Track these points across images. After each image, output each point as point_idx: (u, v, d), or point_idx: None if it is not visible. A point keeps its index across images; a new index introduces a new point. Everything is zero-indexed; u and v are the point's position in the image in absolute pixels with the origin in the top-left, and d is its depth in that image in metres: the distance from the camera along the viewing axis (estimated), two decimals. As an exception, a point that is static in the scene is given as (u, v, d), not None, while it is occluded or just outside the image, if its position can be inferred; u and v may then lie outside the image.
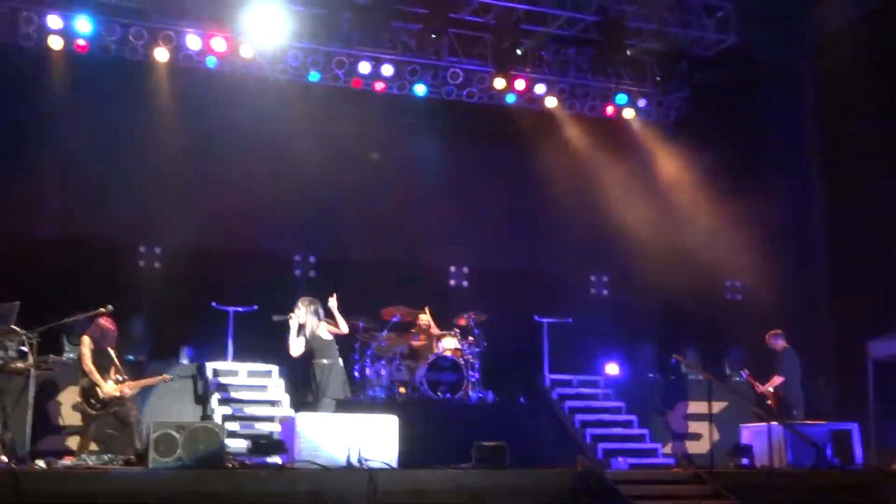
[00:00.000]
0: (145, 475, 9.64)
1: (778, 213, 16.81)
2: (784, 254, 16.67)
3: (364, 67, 15.30)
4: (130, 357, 13.63)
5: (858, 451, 12.77)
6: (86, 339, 11.87)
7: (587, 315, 16.32)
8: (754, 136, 17.23)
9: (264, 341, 12.54)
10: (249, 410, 13.37)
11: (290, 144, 15.42)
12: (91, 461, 10.53)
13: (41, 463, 10.12)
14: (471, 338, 13.93)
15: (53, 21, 13.89)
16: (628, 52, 16.05)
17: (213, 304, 14.09)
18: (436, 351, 13.70)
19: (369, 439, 10.52)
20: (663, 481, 10.94)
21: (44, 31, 13.97)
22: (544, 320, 15.04)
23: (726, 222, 16.20)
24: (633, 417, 14.52)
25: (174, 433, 9.79)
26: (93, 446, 11.82)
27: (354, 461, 10.25)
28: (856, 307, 15.68)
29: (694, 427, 14.93)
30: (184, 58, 14.67)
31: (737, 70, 16.51)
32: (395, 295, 14.37)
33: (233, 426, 12.55)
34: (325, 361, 11.91)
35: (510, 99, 16.20)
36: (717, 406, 13.59)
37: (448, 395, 13.08)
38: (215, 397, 13.41)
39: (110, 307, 11.62)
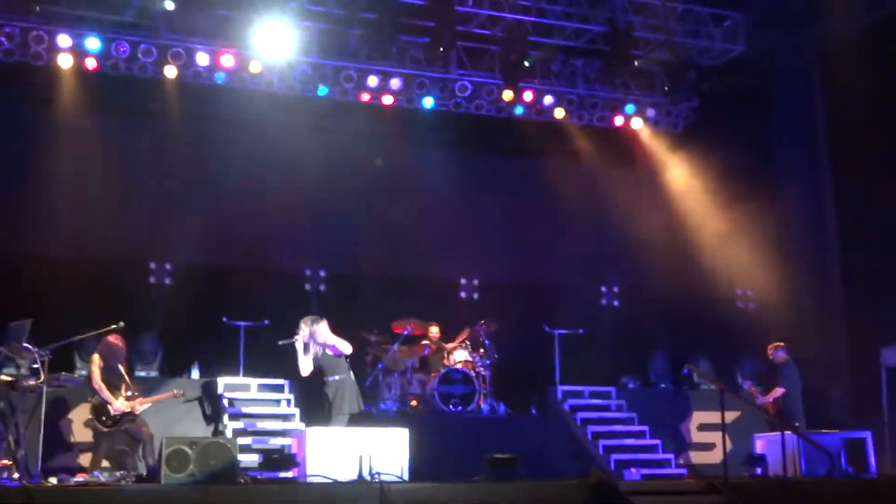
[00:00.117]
0: (157, 491, 9.65)
1: (789, 221, 16.77)
2: (796, 262, 16.62)
3: (372, 81, 15.33)
4: (142, 373, 13.68)
5: (872, 460, 12.71)
6: (95, 358, 11.95)
7: (598, 326, 16.30)
8: (764, 144, 17.21)
9: (275, 356, 12.54)
10: (261, 425, 13.37)
11: (300, 159, 15.46)
12: (103, 478, 10.54)
13: (53, 480, 10.14)
14: (482, 350, 13.92)
15: (63, 40, 13.95)
16: (636, 63, 16.03)
17: (224, 319, 14.11)
18: (447, 363, 13.69)
19: (381, 452, 10.52)
20: (677, 492, 10.89)
21: (54, 50, 14.03)
22: (555, 332, 15.01)
23: (737, 231, 16.18)
24: (645, 428, 14.47)
25: (186, 449, 9.81)
26: (104, 463, 11.84)
27: (366, 474, 10.25)
28: (869, 315, 15.62)
29: (707, 437, 14.88)
30: (193, 74, 14.72)
31: (745, 78, 16.50)
32: (406, 308, 14.39)
33: (244, 441, 12.55)
34: (336, 378, 12.00)
35: (518, 111, 16.21)
36: (730, 416, 13.51)
37: (460, 408, 13.07)
38: (226, 412, 13.42)
39: (122, 324, 11.67)
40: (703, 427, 15.05)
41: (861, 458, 12.54)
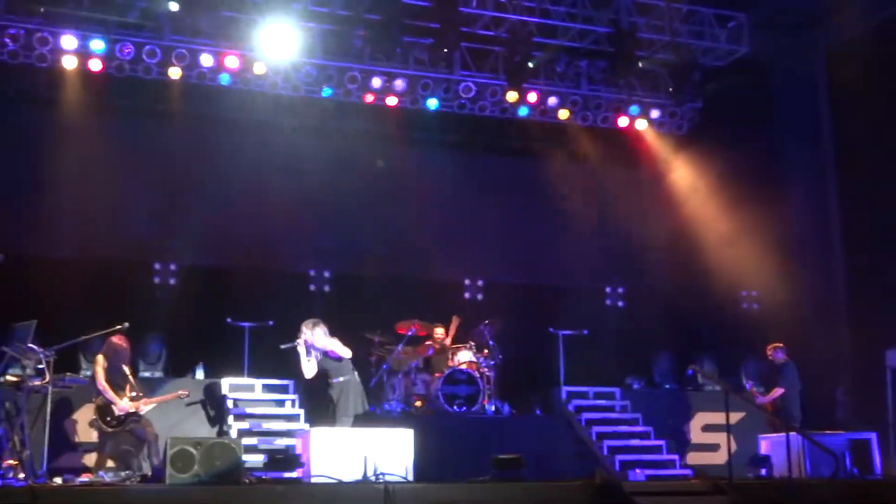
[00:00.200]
0: (162, 491, 9.64)
1: (793, 222, 16.76)
2: (800, 263, 16.61)
3: (376, 82, 15.34)
4: (146, 374, 13.70)
5: (877, 461, 12.69)
6: (99, 359, 12.00)
7: (603, 327, 16.29)
8: (768, 146, 17.20)
9: (280, 356, 12.55)
10: (265, 425, 13.39)
11: (304, 160, 15.50)
12: (108, 478, 10.55)
13: (58, 480, 10.15)
14: (486, 351, 13.92)
15: (68, 41, 13.97)
16: (640, 64, 16.04)
17: (229, 320, 14.12)
18: (451, 364, 13.70)
19: (385, 453, 10.53)
20: (682, 493, 10.88)
21: (58, 52, 14.05)
22: (560, 332, 15.00)
23: (741, 232, 16.17)
24: (649, 429, 14.47)
25: (191, 449, 9.80)
26: (109, 463, 11.86)
27: (371, 475, 10.25)
28: (873, 316, 15.60)
29: (711, 438, 14.87)
30: (197, 75, 14.73)
31: (750, 80, 16.49)
32: (410, 309, 14.39)
33: (249, 441, 12.56)
34: (341, 379, 12.09)
35: (523, 112, 16.21)
36: (735, 416, 13.49)
37: (464, 408, 13.07)
38: (231, 413, 13.43)
39: (126, 325, 11.68)
40: (707, 428, 15.05)
41: (866, 460, 12.51)
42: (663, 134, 17.11)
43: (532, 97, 16.02)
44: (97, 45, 14.07)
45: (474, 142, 16.86)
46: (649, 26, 15.63)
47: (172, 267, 15.54)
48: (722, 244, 16.39)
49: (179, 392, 12.69)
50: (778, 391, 13.66)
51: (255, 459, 12.05)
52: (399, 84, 15.47)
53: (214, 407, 13.61)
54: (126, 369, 12.13)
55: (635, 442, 14.22)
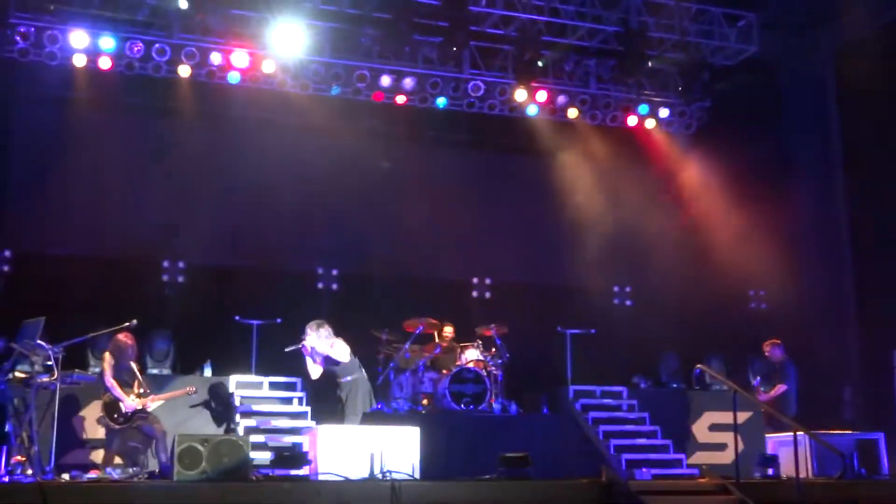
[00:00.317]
0: (170, 488, 9.68)
1: (801, 221, 16.74)
2: (808, 262, 16.59)
3: (385, 81, 15.36)
4: (154, 371, 13.73)
5: (885, 461, 12.66)
6: (106, 356, 12.06)
7: (610, 326, 16.27)
8: (776, 145, 17.18)
9: (287, 354, 12.59)
10: (273, 423, 13.41)
11: (312, 158, 15.54)
12: (115, 475, 10.59)
13: (66, 477, 10.19)
14: (493, 349, 13.93)
15: (77, 39, 14.01)
16: (650, 63, 16.05)
17: (237, 317, 14.15)
18: (459, 363, 13.70)
19: (392, 451, 10.54)
20: (688, 492, 10.89)
21: (68, 50, 14.09)
22: (567, 331, 14.99)
23: (749, 231, 16.15)
24: (656, 428, 14.45)
25: (198, 446, 9.83)
26: (117, 460, 11.89)
27: (378, 473, 10.27)
28: (881, 316, 15.58)
29: (718, 437, 14.84)
30: (206, 73, 14.76)
31: (758, 79, 16.48)
32: (418, 307, 14.38)
33: (256, 438, 12.58)
34: (349, 379, 12.24)
35: (532, 111, 16.21)
36: (742, 416, 13.49)
37: (471, 407, 13.07)
38: (238, 410, 13.47)
39: (134, 322, 11.72)
40: (714, 427, 15.01)
41: (873, 460, 12.49)
42: (672, 133, 17.11)
43: (541, 96, 16.03)
44: (107, 42, 14.12)
45: (483, 141, 16.88)
46: (658, 25, 15.63)
47: (181, 265, 15.58)
48: (730, 243, 16.36)
49: (187, 389, 12.73)
50: (781, 388, 13.62)
51: (262, 457, 12.04)
52: (408, 82, 15.49)
53: (222, 404, 13.63)
54: (134, 366, 12.17)
55: (642, 441, 14.20)
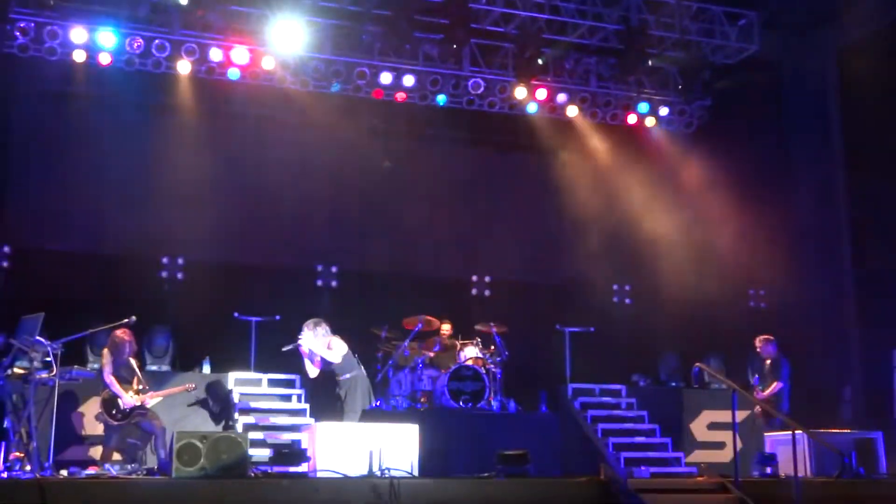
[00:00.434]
0: (169, 485, 9.68)
1: (802, 220, 16.75)
2: (808, 261, 16.59)
3: (385, 78, 15.34)
4: (153, 367, 13.73)
5: (883, 461, 12.66)
6: (104, 352, 12.05)
7: (610, 324, 16.28)
8: (777, 144, 17.18)
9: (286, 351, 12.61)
10: (271, 420, 13.41)
11: (312, 155, 15.54)
12: (114, 471, 10.59)
13: (64, 473, 10.19)
14: (493, 347, 13.92)
15: (77, 35, 14.00)
16: (650, 61, 16.04)
17: (236, 314, 14.15)
18: (458, 360, 13.71)
19: (391, 448, 10.54)
20: (687, 490, 10.89)
21: (68, 45, 14.08)
22: (566, 329, 14.98)
23: (749, 230, 16.14)
24: (655, 426, 14.45)
25: (197, 443, 9.83)
26: (116, 456, 11.89)
27: (376, 470, 10.27)
28: (881, 315, 15.58)
29: (717, 436, 14.85)
30: (206, 70, 14.75)
31: (759, 78, 16.47)
32: (417, 304, 14.38)
33: (255, 435, 12.57)
34: (348, 376, 12.30)
35: (532, 108, 16.20)
36: (741, 415, 13.51)
37: (470, 404, 13.07)
38: (237, 407, 13.47)
39: (133, 318, 11.72)
40: (713, 426, 15.03)
41: (872, 459, 12.49)
42: (672, 131, 17.11)
43: (541, 94, 16.02)
44: (107, 38, 14.09)
45: (483, 138, 16.87)
46: (659, 23, 15.62)
47: (180, 261, 15.57)
48: (730, 242, 16.36)
49: (187, 385, 12.73)
50: (778, 386, 13.60)
51: (260, 453, 12.07)
52: (408, 80, 15.47)
53: (220, 401, 13.63)
54: (133, 362, 12.16)
55: (641, 439, 14.20)
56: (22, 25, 13.85)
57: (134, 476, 10.46)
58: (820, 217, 17.05)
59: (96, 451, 12.36)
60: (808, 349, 15.34)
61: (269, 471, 10.68)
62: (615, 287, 17.70)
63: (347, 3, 14.67)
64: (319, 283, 16.26)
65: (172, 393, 12.62)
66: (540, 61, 15.63)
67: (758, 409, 13.69)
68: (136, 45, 14.19)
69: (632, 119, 16.67)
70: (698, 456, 14.67)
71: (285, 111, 15.47)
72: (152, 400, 12.18)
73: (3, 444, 10.61)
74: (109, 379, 11.88)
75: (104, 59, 14.27)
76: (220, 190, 15.40)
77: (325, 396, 12.88)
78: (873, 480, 12.03)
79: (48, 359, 10.54)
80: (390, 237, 16.23)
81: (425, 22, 14.90)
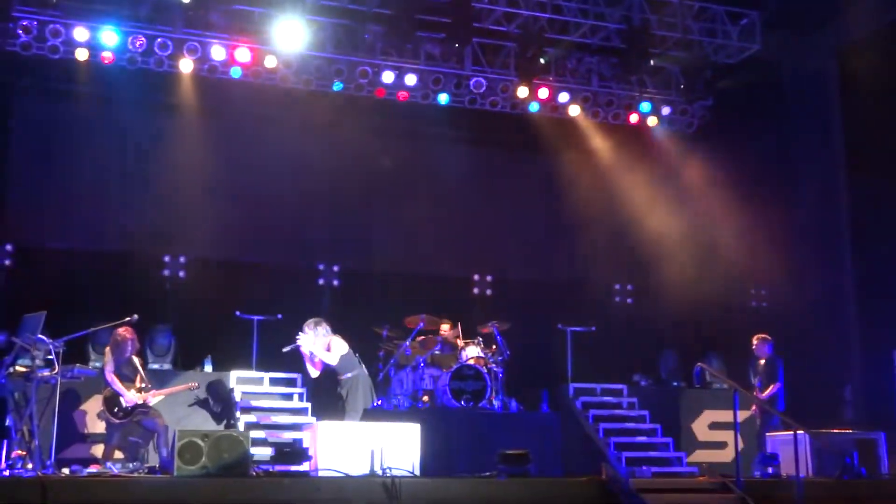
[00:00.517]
0: (170, 483, 9.68)
1: (803, 220, 16.74)
2: (809, 261, 16.58)
3: (387, 77, 15.34)
4: (155, 366, 13.74)
5: (885, 461, 12.66)
6: (107, 350, 12.06)
7: (611, 323, 16.30)
8: (778, 144, 17.17)
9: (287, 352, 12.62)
10: (273, 419, 13.42)
11: (314, 154, 15.54)
12: (116, 469, 10.59)
13: (66, 471, 10.20)
14: (494, 346, 13.93)
15: (80, 33, 14.01)
16: (652, 61, 16.03)
17: (238, 313, 14.15)
18: (459, 359, 13.71)
19: (392, 447, 10.54)
20: (688, 490, 10.89)
21: (70, 43, 14.08)
22: (568, 329, 14.99)
23: (750, 230, 16.14)
24: (657, 426, 14.46)
25: (199, 441, 9.83)
26: (117, 454, 11.90)
27: (377, 469, 10.27)
28: (882, 314, 15.57)
29: (718, 436, 14.86)
30: (208, 68, 14.75)
31: (760, 77, 16.46)
32: (419, 304, 14.39)
33: (257, 434, 12.59)
34: (349, 375, 12.30)
35: (533, 108, 16.20)
36: (743, 414, 13.50)
37: (471, 404, 13.07)
38: (239, 406, 13.47)
39: (135, 317, 11.73)
40: (714, 426, 15.04)
41: (873, 460, 12.48)
42: (674, 131, 17.10)
43: (543, 93, 16.01)
44: (109, 37, 14.09)
45: (484, 138, 16.87)
46: (661, 23, 15.61)
47: (182, 260, 15.60)
48: (731, 241, 16.36)
49: (190, 384, 12.74)
50: (777, 386, 13.55)
51: (262, 452, 12.08)
52: (410, 79, 15.47)
53: (222, 400, 13.64)
54: (136, 360, 12.17)
55: (642, 439, 14.22)
56: (24, 23, 13.84)
57: (135, 474, 10.45)
58: (821, 217, 17.04)
59: (98, 450, 12.37)
60: (809, 349, 15.33)
61: (271, 470, 10.69)
62: (616, 286, 17.72)
63: (349, 2, 14.67)
64: (321, 281, 16.28)
65: (175, 391, 12.63)
66: (542, 60, 15.63)
67: (754, 409, 13.66)
68: (138, 43, 14.19)
69: (633, 118, 16.66)
70: (700, 456, 14.68)
71: (287, 110, 15.46)
72: (154, 398, 12.18)
73: (5, 442, 10.61)
74: (111, 377, 11.89)
75: (106, 57, 14.26)
76: (222, 188, 15.41)
77: (327, 395, 12.88)
78: (875, 481, 12.03)
79: (50, 357, 10.54)
80: (392, 236, 16.24)
81: (427, 21, 14.88)
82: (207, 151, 15.34)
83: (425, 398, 13.49)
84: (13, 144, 14.81)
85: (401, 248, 16.32)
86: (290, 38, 14.48)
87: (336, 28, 15.00)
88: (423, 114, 16.14)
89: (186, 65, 14.55)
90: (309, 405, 13.72)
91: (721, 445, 14.74)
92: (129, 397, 11.90)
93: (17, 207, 14.81)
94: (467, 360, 13.51)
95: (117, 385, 11.89)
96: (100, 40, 14.10)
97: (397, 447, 10.62)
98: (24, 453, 10.18)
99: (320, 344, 12.28)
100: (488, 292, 17.16)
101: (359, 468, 10.30)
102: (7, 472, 9.85)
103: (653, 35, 15.59)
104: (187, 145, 15.23)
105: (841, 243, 17.01)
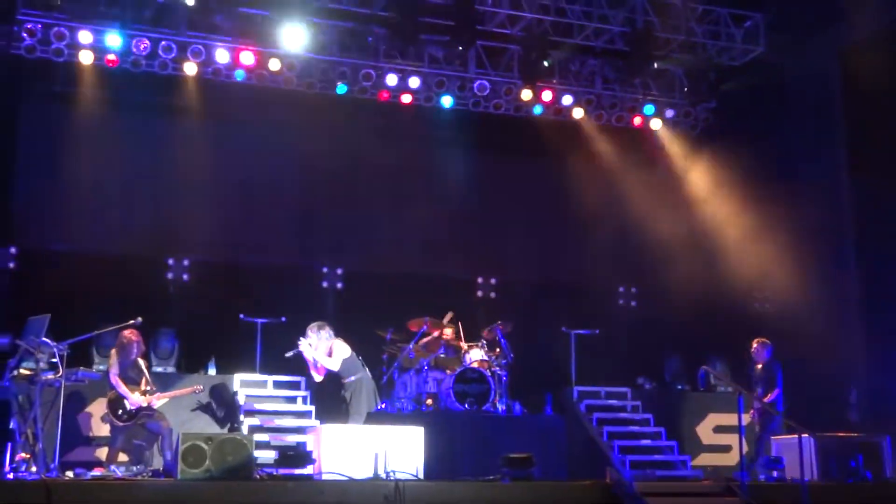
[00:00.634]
0: (174, 486, 9.68)
1: (807, 222, 16.68)
2: (813, 263, 16.52)
3: (391, 80, 15.35)
4: (159, 369, 13.75)
5: (889, 464, 12.63)
6: (112, 352, 12.06)
7: (615, 326, 16.29)
8: (781, 145, 17.14)
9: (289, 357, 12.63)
10: (277, 422, 13.42)
11: (318, 156, 15.56)
12: (120, 472, 10.60)
13: (70, 474, 10.20)
14: (498, 349, 13.91)
15: (84, 36, 14.02)
16: (655, 63, 16.02)
17: (241, 315, 14.15)
18: (463, 362, 13.70)
19: (396, 451, 10.54)
20: (693, 493, 10.87)
21: (75, 46, 14.10)
22: (572, 332, 14.98)
23: (754, 232, 16.11)
24: (661, 429, 14.45)
25: (203, 444, 9.83)
26: (122, 457, 11.90)
27: (381, 473, 10.27)
28: (887, 317, 15.53)
29: (723, 439, 14.84)
30: (212, 71, 14.76)
31: (764, 79, 16.44)
32: (423, 306, 14.39)
33: (260, 437, 12.59)
34: (353, 379, 12.32)
35: (537, 110, 16.20)
36: (747, 418, 13.46)
37: (475, 407, 13.06)
38: (242, 409, 13.47)
39: (139, 319, 11.73)
40: (718, 429, 15.01)
41: (878, 463, 12.45)
42: (677, 133, 17.08)
43: (547, 96, 16.00)
44: (114, 40, 14.11)
45: (488, 140, 16.85)
46: (665, 25, 15.58)
47: (186, 262, 15.61)
48: (735, 244, 16.33)
49: (195, 388, 12.74)
50: (777, 392, 13.50)
51: (266, 456, 12.09)
52: (414, 82, 15.47)
53: (226, 403, 13.64)
54: (142, 363, 12.18)
55: (646, 442, 14.21)
56: (29, 27, 13.86)
57: (139, 478, 10.46)
58: (825, 218, 16.97)
59: (102, 453, 12.36)
60: (814, 352, 15.28)
61: (275, 473, 10.68)
62: (620, 289, 17.72)
63: (353, 5, 14.67)
64: (325, 284, 16.29)
65: (180, 395, 12.63)
66: (545, 63, 15.61)
67: (752, 413, 13.61)
68: (142, 46, 14.20)
69: (637, 121, 16.66)
70: (704, 459, 14.66)
71: (291, 113, 15.46)
72: (159, 401, 12.18)
73: (9, 445, 10.62)
74: (115, 380, 11.89)
75: (111, 60, 14.27)
76: (226, 191, 15.43)
77: (331, 398, 12.89)
78: (880, 484, 12.00)
79: (54, 360, 10.54)
80: (396, 239, 16.24)
81: (431, 24, 14.87)
82: (211, 154, 15.35)
83: (429, 401, 13.48)
84: (18, 147, 14.82)
85: (404, 250, 16.33)
86: (295, 40, 14.47)
87: (340, 31, 15.01)
88: (426, 116, 16.14)
89: (190, 68, 14.57)
90: (313, 408, 13.72)
91: (725, 449, 14.71)
92: (134, 400, 11.90)
93: (21, 210, 14.82)
94: (471, 363, 13.49)
95: (122, 388, 11.89)
96: (104, 43, 14.13)
97: (401, 450, 10.62)
98: (28, 456, 10.18)
99: (322, 348, 12.28)
100: (492, 295, 17.15)
101: (362, 471, 10.30)
102: (11, 476, 9.86)
103: (656, 37, 15.57)
104: (191, 148, 15.25)
105: (845, 245, 16.95)
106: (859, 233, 16.69)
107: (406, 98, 15.70)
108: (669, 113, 16.73)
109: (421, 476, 10.59)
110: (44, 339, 10.50)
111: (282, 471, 10.76)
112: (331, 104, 15.51)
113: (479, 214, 16.84)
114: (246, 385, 13.82)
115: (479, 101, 15.98)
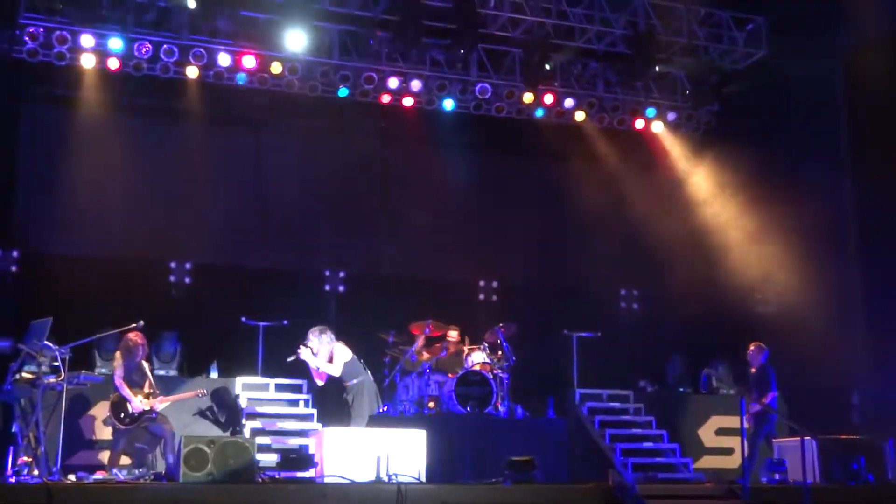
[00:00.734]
0: (176, 490, 9.69)
1: (809, 224, 16.67)
2: (816, 265, 16.51)
3: (393, 83, 15.36)
4: (161, 372, 13.73)
5: (891, 466, 12.62)
6: (117, 355, 12.05)
7: (617, 329, 16.27)
8: (784, 148, 17.13)
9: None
10: (279, 425, 13.41)
11: (319, 159, 15.58)
12: (122, 476, 10.60)
13: (72, 478, 10.20)
14: (500, 352, 13.91)
15: (86, 40, 14.03)
16: (658, 66, 16.02)
17: (244, 319, 14.15)
18: (465, 365, 13.70)
19: (398, 453, 10.54)
20: (695, 496, 10.87)
21: (77, 50, 14.12)
22: (573, 334, 14.97)
23: (757, 234, 16.11)
24: (663, 432, 14.43)
25: (205, 448, 9.85)
26: (124, 460, 11.89)
27: (383, 475, 10.27)
28: (890, 319, 15.52)
29: (725, 442, 14.82)
30: (214, 74, 14.77)
31: (767, 82, 16.44)
32: (425, 309, 14.39)
33: (262, 440, 12.59)
34: (355, 382, 12.32)
35: (539, 113, 16.21)
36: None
37: (477, 410, 13.06)
38: (245, 412, 13.47)
39: (141, 323, 11.72)
40: (721, 432, 14.99)
41: (880, 465, 12.45)
42: (680, 136, 17.08)
43: (548, 99, 16.02)
44: (115, 43, 14.14)
45: (490, 143, 16.87)
46: (667, 28, 15.59)
47: (188, 266, 15.61)
48: (737, 246, 16.33)
49: (198, 391, 12.72)
50: (772, 395, 13.47)
51: (268, 459, 12.08)
52: (416, 85, 15.48)
53: (228, 406, 13.64)
54: (146, 366, 12.17)
55: (648, 445, 14.19)
56: (31, 30, 13.89)
57: (141, 481, 10.46)
58: (828, 220, 16.96)
59: (104, 456, 12.35)
60: (816, 354, 15.26)
61: (277, 476, 10.69)
62: (622, 292, 17.71)
63: (355, 9, 14.68)
64: (327, 287, 16.28)
65: (183, 398, 12.62)
66: (547, 66, 15.62)
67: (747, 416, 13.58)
68: (144, 49, 14.22)
69: (639, 124, 16.67)
70: (706, 462, 14.64)
71: (293, 116, 15.48)
72: (161, 404, 12.18)
73: (12, 448, 10.63)
74: (119, 382, 11.88)
75: (112, 63, 14.30)
76: (228, 195, 15.43)
77: (333, 402, 12.89)
78: (882, 486, 12.00)
79: (56, 363, 10.55)
80: (398, 242, 16.25)
81: (433, 27, 14.89)
82: (213, 157, 15.37)
83: (431, 404, 13.48)
84: (20, 151, 14.84)
85: (406, 253, 16.33)
86: (296, 44, 14.49)
87: (342, 34, 15.02)
88: (428, 120, 16.15)
89: (192, 71, 14.58)
90: (315, 411, 13.71)
91: (728, 451, 14.69)
92: (136, 404, 11.88)
93: (23, 213, 14.84)
94: (473, 365, 13.49)
95: (125, 391, 11.88)
96: (106, 47, 14.14)
97: (403, 453, 10.63)
98: (31, 460, 10.19)
99: (324, 352, 12.28)
100: (494, 298, 17.14)
101: (364, 474, 10.31)
102: (13, 479, 9.88)
103: (659, 40, 15.58)
104: (193, 151, 15.27)
105: (847, 247, 16.95)
106: (861, 235, 16.68)
107: (408, 101, 15.71)
108: (671, 116, 16.74)
109: (423, 479, 10.59)
110: (46, 342, 10.51)
111: (284, 474, 10.78)
112: (332, 107, 15.52)
113: (481, 217, 16.84)
114: (248, 388, 13.82)
115: (481, 104, 15.98)
